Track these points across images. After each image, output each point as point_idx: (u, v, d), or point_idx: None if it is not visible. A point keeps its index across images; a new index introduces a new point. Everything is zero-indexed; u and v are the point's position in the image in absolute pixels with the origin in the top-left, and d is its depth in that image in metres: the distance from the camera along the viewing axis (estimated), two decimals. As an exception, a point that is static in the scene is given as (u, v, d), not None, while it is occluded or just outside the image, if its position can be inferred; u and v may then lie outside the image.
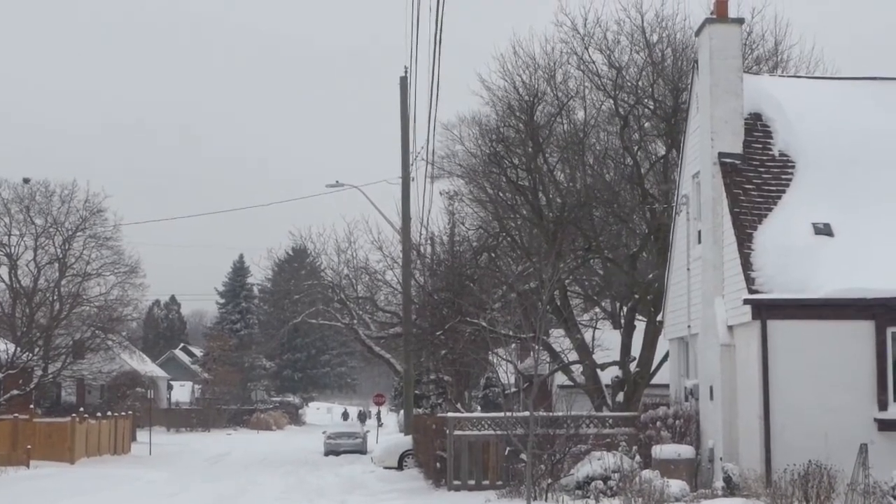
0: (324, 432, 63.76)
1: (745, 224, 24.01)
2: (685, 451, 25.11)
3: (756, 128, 25.65)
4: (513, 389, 46.54)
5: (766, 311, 22.77)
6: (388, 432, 77.93)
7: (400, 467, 42.87)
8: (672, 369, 30.34)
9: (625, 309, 38.91)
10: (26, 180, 63.36)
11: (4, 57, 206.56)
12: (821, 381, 22.59)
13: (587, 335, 37.44)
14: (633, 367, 35.44)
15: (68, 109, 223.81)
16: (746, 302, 22.93)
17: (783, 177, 24.94)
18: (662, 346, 33.35)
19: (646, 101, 35.49)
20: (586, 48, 35.78)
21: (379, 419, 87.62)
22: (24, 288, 62.81)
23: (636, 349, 35.65)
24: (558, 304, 36.54)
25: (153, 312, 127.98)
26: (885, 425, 22.42)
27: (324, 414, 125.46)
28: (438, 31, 36.67)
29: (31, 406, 55.15)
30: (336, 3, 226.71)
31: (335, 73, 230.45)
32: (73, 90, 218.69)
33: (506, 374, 47.00)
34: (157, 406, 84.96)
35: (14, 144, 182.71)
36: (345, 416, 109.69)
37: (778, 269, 23.04)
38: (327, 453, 58.27)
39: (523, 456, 24.98)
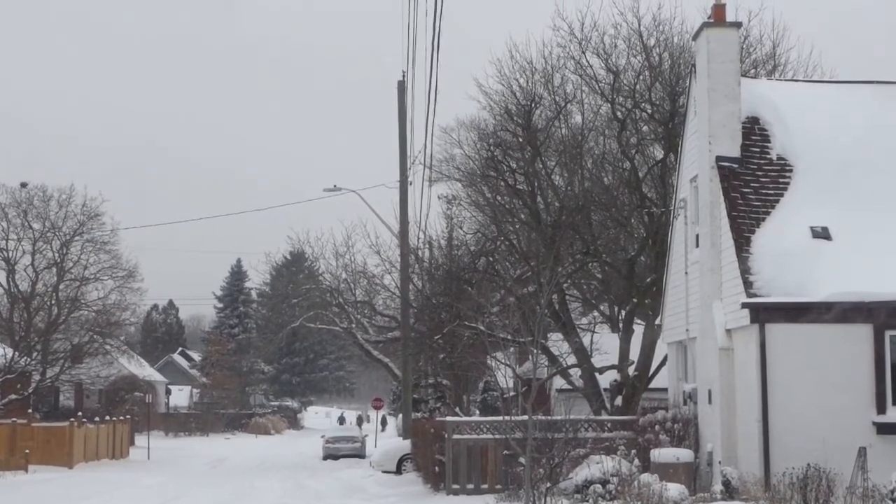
0: (322, 436, 63.75)
1: (743, 228, 24.03)
2: (684, 454, 25.12)
3: (754, 131, 25.67)
4: (511, 393, 46.56)
5: (764, 314, 22.78)
6: (387, 436, 77.92)
7: (399, 471, 42.87)
8: (670, 373, 30.35)
9: (623, 313, 38.92)
10: (24, 184, 63.35)
11: (4, 62, 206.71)
12: (819, 384, 22.59)
13: (585, 339, 37.42)
14: (631, 370, 35.42)
15: (66, 116, 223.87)
16: (745, 305, 22.94)
17: (781, 180, 24.96)
18: (661, 350, 33.35)
19: (643, 104, 35.50)
20: (583, 52, 35.79)
21: (384, 423, 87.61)
22: (22, 292, 62.78)
23: (634, 353, 35.65)
24: (556, 307, 36.53)
25: (151, 317, 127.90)
26: (883, 428, 22.42)
27: (322, 418, 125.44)
28: (436, 36, 36.73)
29: (30, 410, 55.17)
30: (333, 7, 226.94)
31: (333, 78, 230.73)
32: (70, 98, 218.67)
33: (504, 378, 46.99)
34: (155, 410, 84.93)
35: (11, 149, 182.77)
36: (341, 420, 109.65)
37: (776, 273, 23.05)
38: (326, 457, 58.27)
39: (522, 460, 24.97)
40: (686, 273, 27.53)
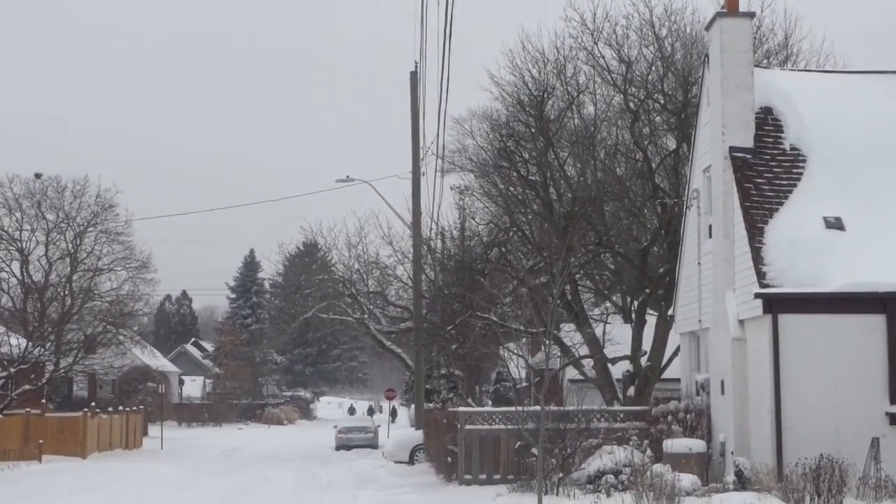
0: (335, 427, 63.80)
1: (756, 218, 24.01)
2: (696, 445, 25.12)
3: (767, 122, 25.64)
4: (524, 384, 46.59)
5: (777, 305, 22.77)
6: (400, 427, 77.97)
7: (411, 462, 42.92)
8: (683, 363, 30.35)
9: (636, 303, 38.91)
10: (38, 175, 63.39)
11: (19, 58, 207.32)
12: (832, 374, 22.60)
13: (598, 329, 37.43)
14: (643, 361, 35.43)
15: (80, 110, 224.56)
16: (757, 296, 22.93)
17: (794, 171, 24.93)
18: (673, 341, 33.36)
19: (656, 95, 35.49)
20: (595, 43, 35.78)
21: (394, 414, 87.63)
22: (36, 283, 62.83)
23: (647, 343, 35.65)
24: (569, 298, 36.54)
25: (164, 307, 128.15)
26: (896, 419, 22.43)
27: (335, 408, 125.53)
28: (448, 24, 36.70)
29: (43, 401, 55.27)
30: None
31: (345, 70, 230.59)
32: (84, 92, 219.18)
33: (517, 369, 47.01)
34: (168, 401, 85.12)
35: (26, 141, 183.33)
36: (351, 410, 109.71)
37: (789, 263, 23.04)
38: (338, 448, 58.33)
39: (534, 450, 25.00)
40: (699, 263, 27.52)
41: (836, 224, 23.64)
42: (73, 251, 62.35)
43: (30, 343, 57.23)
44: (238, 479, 37.57)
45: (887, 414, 22.46)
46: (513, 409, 29.73)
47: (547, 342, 28.56)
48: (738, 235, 24.55)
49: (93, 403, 58.51)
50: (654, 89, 35.37)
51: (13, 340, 56.36)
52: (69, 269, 62.24)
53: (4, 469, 41.48)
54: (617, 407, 32.51)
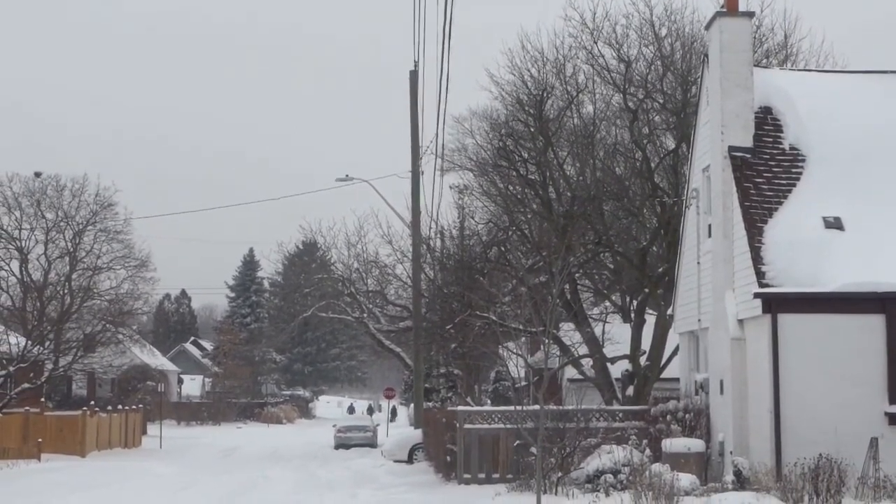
0: (334, 426, 63.81)
1: (756, 218, 24.00)
2: (695, 444, 25.12)
3: (766, 121, 25.63)
4: (523, 383, 46.60)
5: (776, 304, 22.76)
6: (399, 426, 77.96)
7: (410, 461, 42.91)
8: (682, 363, 30.34)
9: (635, 303, 38.90)
10: (38, 174, 63.47)
11: (19, 58, 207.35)
12: (831, 374, 22.59)
13: (597, 329, 37.42)
14: (643, 360, 35.42)
15: (79, 110, 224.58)
16: (757, 296, 22.92)
17: (793, 170, 24.92)
18: (672, 340, 33.34)
19: (655, 95, 35.48)
20: (595, 42, 35.80)
21: (393, 413, 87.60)
22: (35, 282, 62.88)
23: (646, 343, 35.64)
24: (568, 297, 36.53)
25: (164, 306, 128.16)
26: (895, 419, 22.39)
27: (334, 407, 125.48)
28: (447, 23, 36.69)
29: (42, 399, 55.29)
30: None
31: (344, 69, 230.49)
32: (84, 92, 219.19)
33: (516, 368, 47.00)
34: (167, 400, 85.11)
35: (25, 140, 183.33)
36: (350, 409, 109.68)
37: (788, 263, 23.03)
38: (338, 447, 58.32)
39: (533, 449, 24.99)
40: (698, 263, 27.50)
41: (835, 224, 23.62)
42: (72, 250, 62.39)
43: (29, 342, 57.22)
44: (237, 478, 37.57)
45: (886, 414, 22.46)
46: (512, 408, 29.71)
47: (546, 341, 28.56)
48: (738, 235, 24.55)
49: (92, 402, 58.52)
50: (654, 89, 35.37)
51: (12, 339, 56.35)
52: (68, 267, 62.30)
53: (3, 468, 41.48)
54: (616, 406, 32.50)
